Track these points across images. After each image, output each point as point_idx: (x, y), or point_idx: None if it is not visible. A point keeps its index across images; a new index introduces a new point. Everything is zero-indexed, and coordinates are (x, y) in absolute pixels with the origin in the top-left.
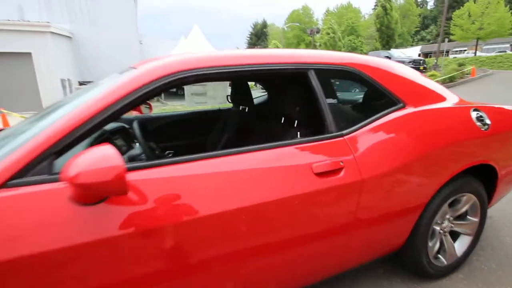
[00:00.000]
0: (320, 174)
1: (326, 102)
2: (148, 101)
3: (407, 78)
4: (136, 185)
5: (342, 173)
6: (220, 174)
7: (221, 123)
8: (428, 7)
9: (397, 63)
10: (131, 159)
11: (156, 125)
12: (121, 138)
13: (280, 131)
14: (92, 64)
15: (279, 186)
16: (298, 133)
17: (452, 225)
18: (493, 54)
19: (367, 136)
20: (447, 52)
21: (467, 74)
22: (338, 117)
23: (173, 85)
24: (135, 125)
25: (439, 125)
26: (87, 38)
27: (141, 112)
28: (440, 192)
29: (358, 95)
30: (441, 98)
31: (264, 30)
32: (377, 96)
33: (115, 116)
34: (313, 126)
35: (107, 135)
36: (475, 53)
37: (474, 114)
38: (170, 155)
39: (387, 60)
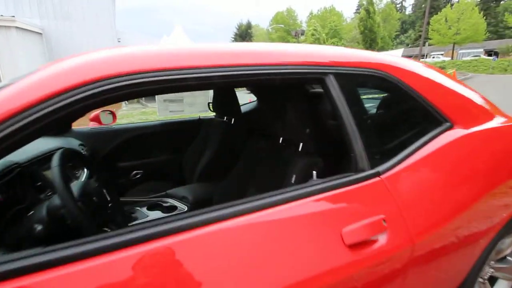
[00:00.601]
0: (354, 246)
1: (352, 122)
2: (110, 109)
3: (452, 89)
4: None
5: (384, 238)
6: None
7: (201, 136)
8: (407, 12)
9: (433, 68)
10: (50, 212)
11: (121, 139)
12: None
13: (280, 157)
14: None
15: (291, 271)
16: (314, 173)
17: (492, 269)
18: (468, 58)
19: (414, 172)
20: (426, 55)
21: None
22: (370, 145)
23: (94, 102)
24: (56, 157)
25: (501, 151)
26: (60, 35)
27: (100, 123)
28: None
29: None
30: (490, 115)
31: (249, 31)
32: (416, 113)
33: None
34: (332, 157)
35: (22, 168)
36: (451, 57)
37: None
38: (138, 176)
39: (425, 65)
